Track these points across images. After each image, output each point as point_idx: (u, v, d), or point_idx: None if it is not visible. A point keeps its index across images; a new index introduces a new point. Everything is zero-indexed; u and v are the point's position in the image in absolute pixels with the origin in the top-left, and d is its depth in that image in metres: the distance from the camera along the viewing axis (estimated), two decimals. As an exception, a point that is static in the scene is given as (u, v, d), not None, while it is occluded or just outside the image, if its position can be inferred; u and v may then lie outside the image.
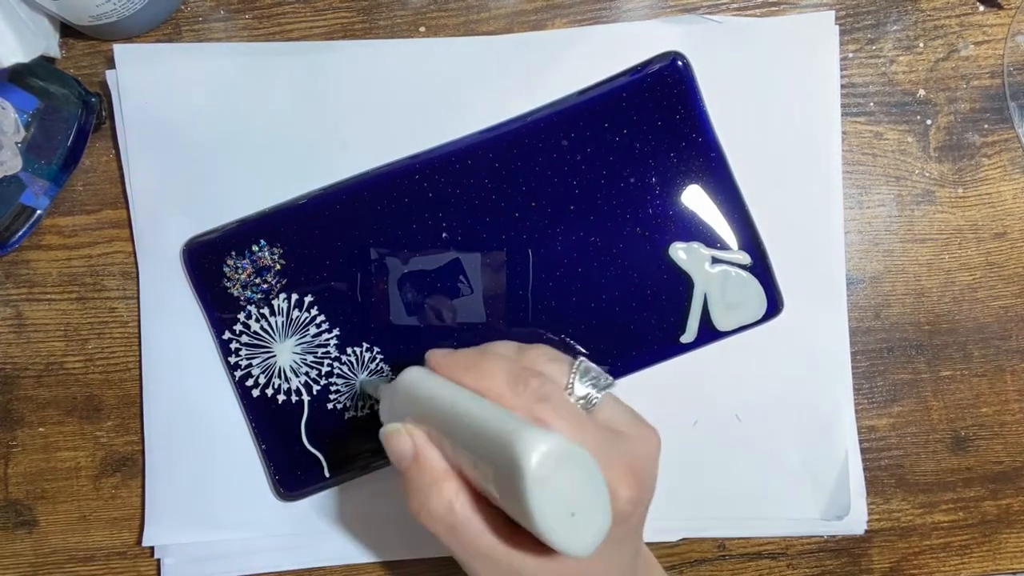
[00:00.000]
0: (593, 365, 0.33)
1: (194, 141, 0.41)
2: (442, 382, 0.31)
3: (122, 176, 0.41)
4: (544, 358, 0.32)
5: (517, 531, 0.29)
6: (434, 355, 0.32)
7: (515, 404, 0.29)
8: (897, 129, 0.42)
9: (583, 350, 0.40)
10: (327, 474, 0.41)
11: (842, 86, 0.42)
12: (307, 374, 0.41)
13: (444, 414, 0.29)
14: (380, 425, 0.32)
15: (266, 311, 0.40)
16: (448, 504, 0.29)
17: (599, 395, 0.32)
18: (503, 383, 0.30)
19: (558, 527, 0.25)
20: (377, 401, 0.36)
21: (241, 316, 0.40)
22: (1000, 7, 0.42)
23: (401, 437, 0.30)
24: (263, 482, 0.41)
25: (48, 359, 0.42)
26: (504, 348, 0.33)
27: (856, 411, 0.42)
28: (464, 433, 0.28)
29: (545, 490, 0.25)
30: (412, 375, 0.32)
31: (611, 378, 0.33)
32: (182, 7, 0.42)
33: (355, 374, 0.41)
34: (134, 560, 0.42)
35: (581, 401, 0.31)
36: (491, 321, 0.40)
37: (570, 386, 0.32)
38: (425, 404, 0.30)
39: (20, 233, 0.41)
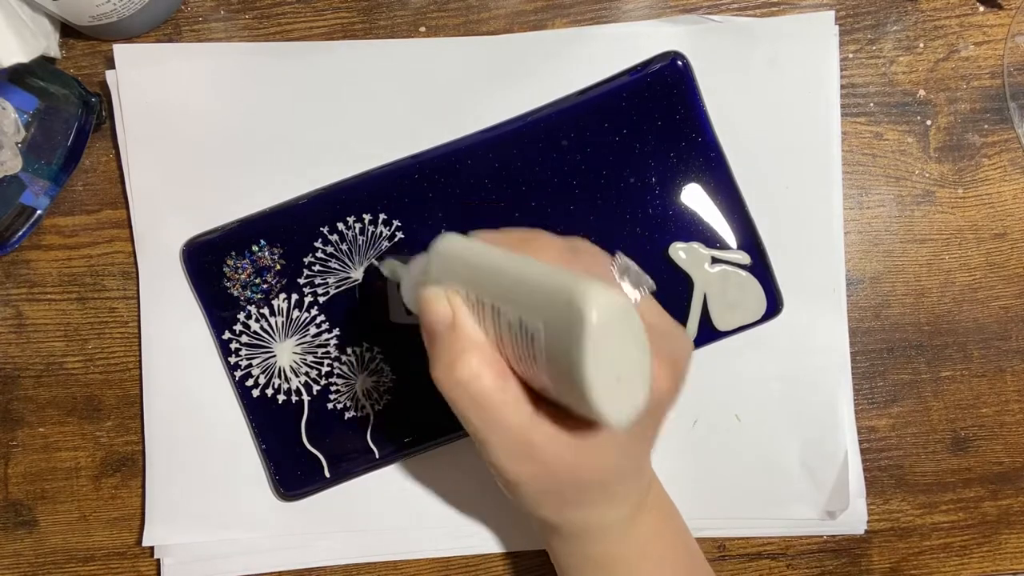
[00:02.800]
0: (632, 263, 0.32)
1: (194, 141, 0.41)
2: (491, 248, 0.29)
3: (122, 176, 0.41)
4: (592, 248, 0.32)
5: (540, 412, 0.29)
6: (482, 232, 0.32)
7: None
8: (897, 129, 0.42)
9: None
10: (327, 474, 0.41)
11: (842, 86, 0.42)
12: (307, 374, 0.41)
13: (496, 274, 0.28)
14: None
15: (266, 311, 0.40)
16: (476, 372, 0.28)
17: (637, 295, 0.31)
18: (557, 256, 0.30)
19: (604, 388, 0.25)
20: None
21: (241, 316, 0.40)
22: (1000, 7, 0.42)
23: (441, 300, 0.29)
24: (263, 482, 0.41)
25: (48, 359, 0.42)
26: (550, 234, 0.32)
27: (856, 411, 0.42)
28: (518, 290, 0.27)
29: (602, 344, 0.24)
30: (458, 240, 0.31)
31: (651, 281, 0.32)
32: (182, 7, 0.42)
33: (355, 374, 0.41)
34: (134, 560, 0.42)
35: None
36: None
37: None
38: (473, 266, 0.29)
39: (20, 233, 0.41)
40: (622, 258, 0.32)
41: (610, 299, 0.24)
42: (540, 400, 0.29)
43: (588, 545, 0.34)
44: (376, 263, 0.40)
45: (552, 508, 0.32)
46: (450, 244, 0.31)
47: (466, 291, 0.29)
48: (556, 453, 0.29)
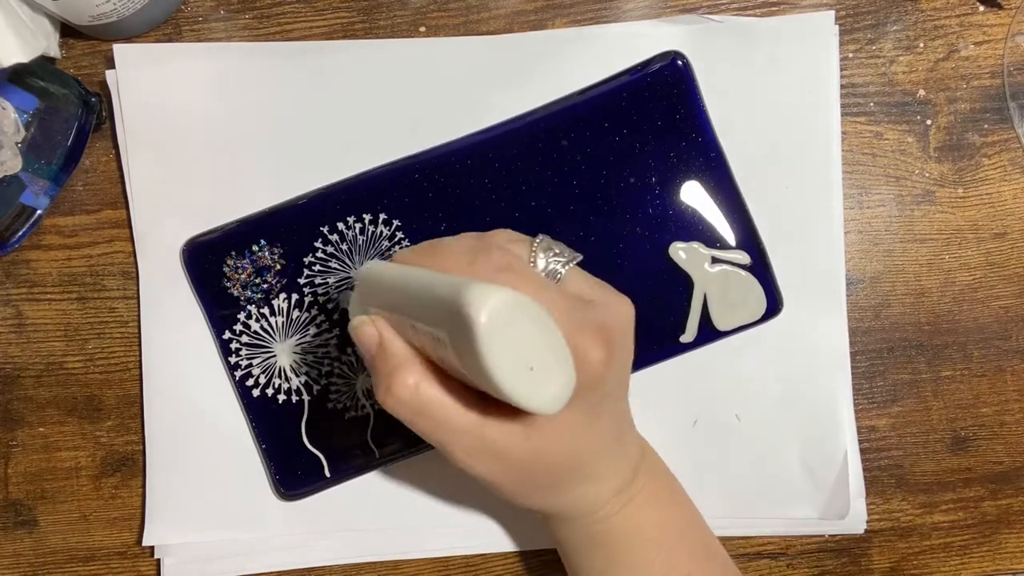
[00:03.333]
0: (557, 241, 0.32)
1: (194, 141, 0.41)
2: (396, 267, 0.31)
3: (122, 176, 0.41)
4: (505, 238, 0.32)
5: (486, 404, 0.29)
6: (400, 250, 0.32)
7: (475, 275, 0.28)
8: (897, 129, 0.42)
9: None
10: (327, 474, 0.41)
11: (842, 86, 0.42)
12: (307, 374, 0.41)
13: (400, 292, 0.29)
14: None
15: (266, 311, 0.40)
16: (413, 386, 0.29)
17: (563, 269, 0.32)
18: (462, 260, 0.30)
19: (516, 381, 0.25)
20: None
21: (241, 316, 0.40)
22: (1000, 7, 0.42)
23: (366, 326, 0.30)
24: (263, 482, 0.41)
25: (48, 359, 0.42)
26: (463, 235, 0.33)
27: (856, 411, 0.42)
28: (420, 306, 0.28)
29: (497, 342, 0.25)
30: (373, 265, 0.32)
31: (577, 253, 0.32)
32: (182, 7, 0.42)
33: (355, 374, 0.41)
34: (134, 560, 0.42)
35: (544, 276, 0.31)
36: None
37: (532, 262, 0.31)
38: (383, 288, 0.30)
39: (20, 233, 0.41)
40: (544, 238, 0.32)
41: (497, 297, 0.25)
42: (487, 397, 0.29)
43: (585, 525, 0.34)
44: (335, 297, 0.40)
45: (532, 497, 0.32)
46: (369, 270, 0.31)
47: (388, 312, 0.30)
48: (513, 444, 0.29)
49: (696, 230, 0.40)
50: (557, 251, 0.32)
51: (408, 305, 0.29)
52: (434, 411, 0.29)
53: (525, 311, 0.26)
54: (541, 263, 0.31)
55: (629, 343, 0.32)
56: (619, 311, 0.32)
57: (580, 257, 0.32)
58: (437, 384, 0.29)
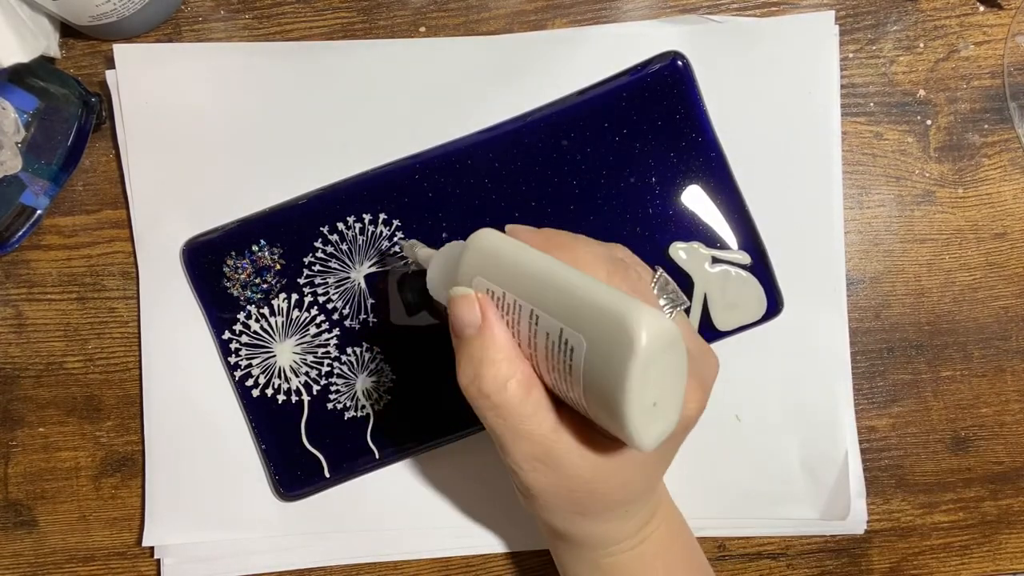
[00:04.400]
0: (671, 280, 0.32)
1: (194, 141, 0.41)
2: (533, 250, 0.28)
3: (122, 176, 0.41)
4: (632, 258, 0.32)
5: (564, 422, 0.28)
6: (517, 228, 0.31)
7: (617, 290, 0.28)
8: (897, 129, 0.42)
9: None
10: (327, 474, 0.41)
11: (842, 86, 0.42)
12: (307, 374, 0.41)
13: (537, 280, 0.27)
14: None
15: (266, 311, 0.40)
16: (503, 381, 0.28)
17: (672, 311, 0.31)
18: (599, 267, 0.29)
19: (641, 413, 0.25)
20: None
21: (241, 316, 0.40)
22: (1000, 7, 0.42)
23: (471, 302, 0.29)
24: (263, 482, 0.41)
25: (48, 359, 0.42)
26: (591, 241, 0.32)
27: (856, 411, 0.42)
28: (560, 301, 0.26)
29: (647, 371, 0.24)
30: (495, 238, 0.29)
31: (686, 298, 0.32)
32: (182, 7, 0.42)
33: (355, 374, 0.41)
34: (134, 560, 0.42)
35: None
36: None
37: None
38: (512, 268, 0.28)
39: (20, 233, 0.41)
40: (662, 274, 0.32)
41: (661, 327, 0.24)
42: (564, 408, 0.29)
43: (597, 555, 0.34)
44: (400, 244, 0.38)
45: (565, 518, 0.32)
46: (490, 241, 0.29)
47: (502, 291, 0.28)
48: (576, 467, 0.29)
49: (696, 230, 0.40)
50: (671, 291, 0.31)
51: (544, 296, 0.27)
52: (511, 411, 0.28)
53: (676, 349, 0.25)
54: (662, 301, 0.31)
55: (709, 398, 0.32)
56: (714, 365, 0.32)
57: (688, 304, 0.32)
58: (524, 383, 0.28)
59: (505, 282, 0.28)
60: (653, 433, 0.26)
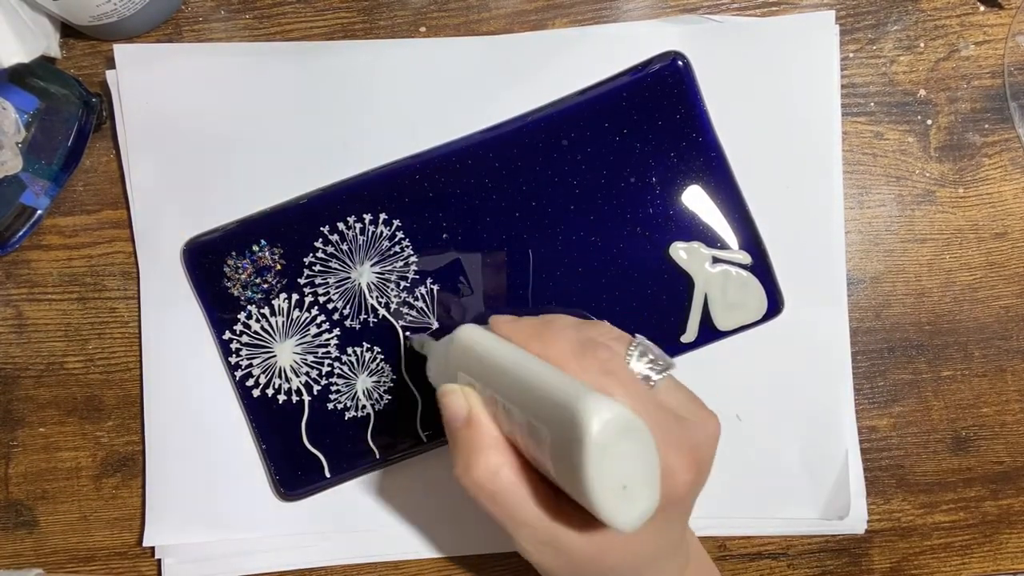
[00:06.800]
0: (652, 345, 0.32)
1: (194, 141, 0.41)
2: (504, 343, 0.30)
3: (122, 176, 0.41)
4: (607, 335, 0.32)
5: (561, 503, 0.29)
6: (498, 320, 0.32)
7: (580, 374, 0.28)
8: (897, 129, 0.42)
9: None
10: (327, 474, 0.41)
11: (842, 86, 0.42)
12: (307, 374, 0.41)
13: (504, 374, 0.29)
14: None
15: (266, 311, 0.40)
16: (494, 470, 0.29)
17: (656, 377, 0.31)
18: (569, 352, 0.29)
19: (609, 498, 0.25)
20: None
21: (241, 316, 0.40)
22: (1000, 7, 0.42)
23: (457, 397, 0.30)
24: (263, 482, 0.41)
25: (48, 359, 0.42)
26: (566, 320, 0.32)
27: (856, 411, 0.42)
28: (524, 394, 0.27)
29: (603, 458, 0.25)
30: (473, 333, 0.31)
31: (672, 361, 0.32)
32: (182, 7, 0.42)
33: (355, 374, 0.41)
34: (134, 560, 0.42)
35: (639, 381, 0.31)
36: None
37: (627, 365, 0.31)
38: (484, 363, 0.30)
39: (20, 233, 0.41)
40: (642, 341, 0.32)
41: (613, 412, 0.25)
42: (561, 491, 0.29)
43: None
44: (409, 338, 0.40)
45: None
46: (468, 336, 0.31)
47: (481, 385, 0.30)
48: (581, 548, 0.29)
49: (697, 230, 0.40)
50: (653, 357, 0.31)
51: (511, 389, 0.28)
52: (508, 499, 0.29)
53: (634, 431, 0.26)
54: (637, 367, 0.31)
55: (712, 461, 0.32)
56: (710, 430, 0.32)
57: (675, 366, 0.32)
58: (516, 470, 0.29)
59: (481, 376, 0.30)
60: (632, 514, 0.26)
